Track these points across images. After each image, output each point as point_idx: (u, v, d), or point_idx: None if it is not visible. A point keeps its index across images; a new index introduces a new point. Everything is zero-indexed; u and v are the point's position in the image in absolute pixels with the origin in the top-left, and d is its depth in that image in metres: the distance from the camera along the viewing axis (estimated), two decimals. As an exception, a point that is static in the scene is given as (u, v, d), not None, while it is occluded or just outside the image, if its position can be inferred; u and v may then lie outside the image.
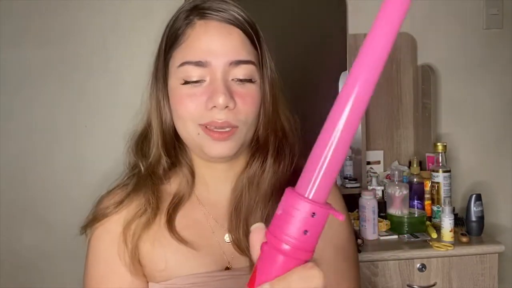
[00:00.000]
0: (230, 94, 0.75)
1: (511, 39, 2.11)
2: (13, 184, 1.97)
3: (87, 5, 1.95)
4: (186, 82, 0.77)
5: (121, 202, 0.82)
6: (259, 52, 0.80)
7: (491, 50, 2.11)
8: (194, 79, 0.76)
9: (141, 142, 0.85)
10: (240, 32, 0.78)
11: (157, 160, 0.83)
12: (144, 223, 0.80)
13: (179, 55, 0.78)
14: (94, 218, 0.82)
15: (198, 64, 0.76)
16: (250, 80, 0.78)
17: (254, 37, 0.80)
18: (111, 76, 1.98)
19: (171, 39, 0.80)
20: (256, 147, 0.83)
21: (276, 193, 0.80)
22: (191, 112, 0.76)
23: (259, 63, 0.80)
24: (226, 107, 0.75)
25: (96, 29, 1.96)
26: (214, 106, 0.74)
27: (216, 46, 0.76)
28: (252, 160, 0.83)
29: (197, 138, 0.77)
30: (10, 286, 1.97)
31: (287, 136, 0.84)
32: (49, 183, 1.98)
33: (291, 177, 0.82)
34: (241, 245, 0.79)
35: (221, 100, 0.73)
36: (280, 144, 0.83)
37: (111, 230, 0.81)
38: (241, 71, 0.77)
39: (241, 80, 0.77)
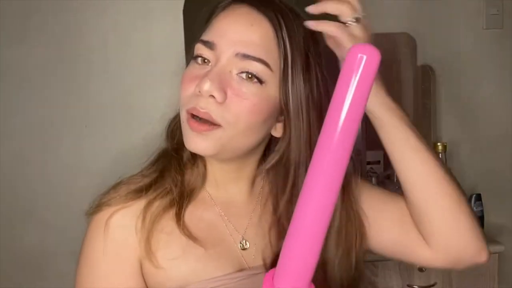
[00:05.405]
0: (222, 85, 0.67)
1: (511, 39, 2.11)
2: (13, 183, 1.97)
3: (87, 5, 1.95)
4: (193, 58, 0.72)
5: (141, 190, 0.76)
6: (283, 58, 0.70)
7: (491, 50, 2.11)
8: (199, 57, 0.71)
9: (173, 125, 0.81)
10: (269, 26, 0.70)
11: (182, 141, 0.75)
12: (167, 204, 0.75)
13: (201, 35, 0.73)
14: (108, 203, 0.76)
15: (206, 44, 0.70)
16: (258, 82, 0.69)
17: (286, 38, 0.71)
18: (111, 76, 1.97)
19: (206, 20, 0.75)
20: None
21: None
22: (184, 96, 0.71)
23: (281, 73, 0.70)
24: (212, 96, 0.67)
25: (96, 29, 1.96)
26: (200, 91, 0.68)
27: (230, 32, 0.69)
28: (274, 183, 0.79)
29: (183, 126, 0.72)
30: (10, 286, 1.97)
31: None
32: (49, 182, 1.98)
33: None
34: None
35: (205, 86, 0.66)
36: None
37: (127, 215, 0.75)
38: (247, 66, 0.68)
39: (249, 77, 0.68)
